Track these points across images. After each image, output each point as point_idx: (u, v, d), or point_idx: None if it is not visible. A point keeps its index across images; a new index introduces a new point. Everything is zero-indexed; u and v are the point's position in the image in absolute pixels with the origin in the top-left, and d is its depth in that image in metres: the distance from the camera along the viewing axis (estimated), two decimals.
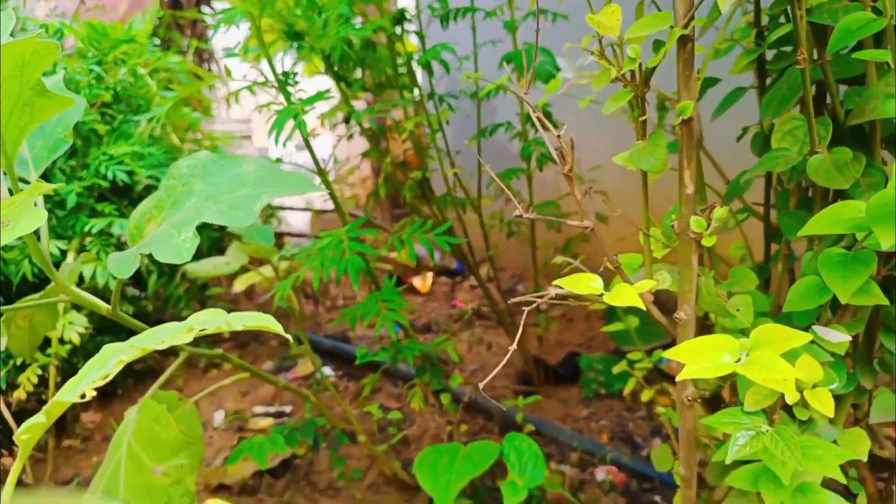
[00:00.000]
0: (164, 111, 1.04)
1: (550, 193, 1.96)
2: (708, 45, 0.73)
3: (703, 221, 0.55)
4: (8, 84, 0.54)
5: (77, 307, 1.46)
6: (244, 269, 1.39)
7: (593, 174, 1.47)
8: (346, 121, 1.49)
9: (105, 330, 1.63)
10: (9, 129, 0.58)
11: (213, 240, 1.75)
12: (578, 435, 1.54)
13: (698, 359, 0.48)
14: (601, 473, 1.42)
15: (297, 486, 1.52)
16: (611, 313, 1.84)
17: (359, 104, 1.98)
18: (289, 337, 0.48)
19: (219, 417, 1.78)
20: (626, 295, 0.51)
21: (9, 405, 1.42)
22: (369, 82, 1.38)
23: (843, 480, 0.66)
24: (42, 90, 0.56)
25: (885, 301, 0.58)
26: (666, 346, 0.67)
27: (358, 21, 1.30)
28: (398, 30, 1.23)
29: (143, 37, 1.25)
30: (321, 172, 1.10)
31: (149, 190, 1.50)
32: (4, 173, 0.65)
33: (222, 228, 1.83)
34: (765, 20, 0.76)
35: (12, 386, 1.44)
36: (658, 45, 0.50)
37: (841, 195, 0.65)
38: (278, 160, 1.27)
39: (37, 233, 0.73)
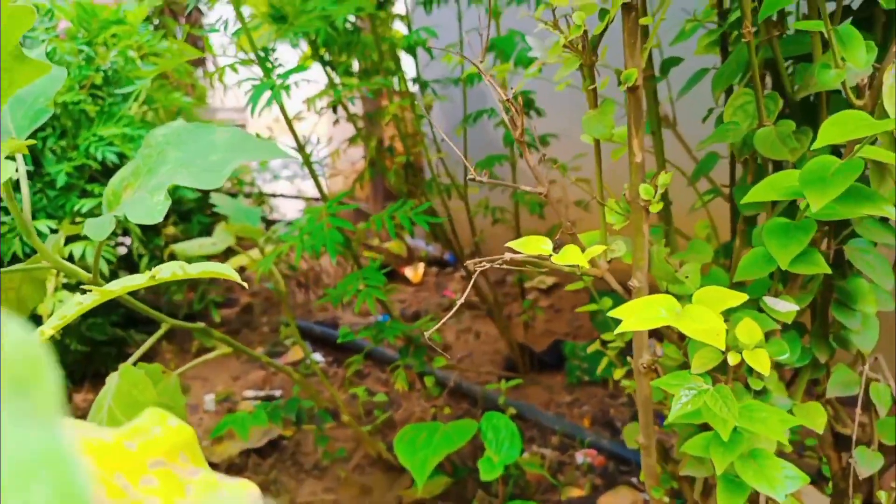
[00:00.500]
0: (144, 85, 1.06)
1: (534, 180, 1.97)
2: (673, 24, 0.75)
3: (650, 188, 0.57)
4: None
5: (68, 287, 1.49)
6: (232, 252, 1.41)
7: (577, 162, 1.50)
8: (334, 108, 1.51)
9: (97, 311, 1.66)
10: None
11: (204, 225, 1.77)
12: (560, 419, 1.57)
13: (636, 314, 0.50)
14: (580, 456, 1.45)
15: (283, 466, 1.55)
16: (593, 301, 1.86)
17: (358, 105, 2.00)
18: (244, 284, 0.51)
19: (209, 400, 1.81)
20: (573, 256, 0.53)
21: None
22: (359, 69, 1.40)
23: (789, 448, 0.69)
24: (20, 55, 0.58)
25: (827, 269, 0.60)
26: None
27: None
28: (382, 14, 1.25)
29: (135, 18, 1.28)
30: (301, 149, 1.12)
31: None
32: None
33: (214, 214, 1.86)
34: (727, 2, 0.78)
35: None
36: (604, 13, 0.52)
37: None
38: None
39: (19, 201, 0.76)
